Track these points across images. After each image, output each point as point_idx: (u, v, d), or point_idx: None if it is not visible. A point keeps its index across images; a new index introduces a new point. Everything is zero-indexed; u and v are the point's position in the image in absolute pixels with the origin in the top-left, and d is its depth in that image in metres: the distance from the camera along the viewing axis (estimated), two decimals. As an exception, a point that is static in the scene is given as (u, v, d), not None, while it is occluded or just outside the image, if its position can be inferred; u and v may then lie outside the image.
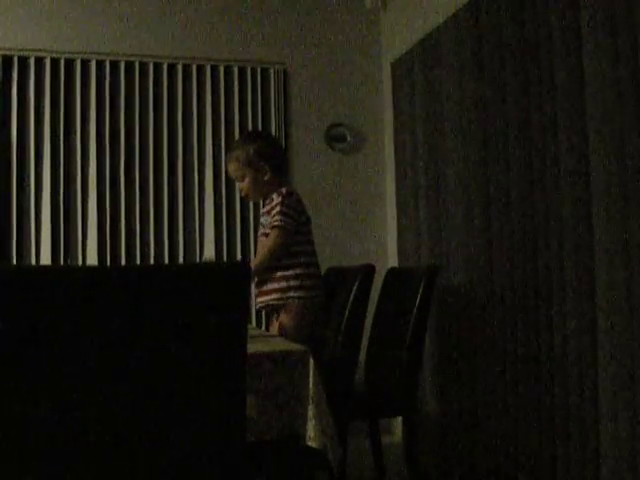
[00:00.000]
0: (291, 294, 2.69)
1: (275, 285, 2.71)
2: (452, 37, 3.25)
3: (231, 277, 1.31)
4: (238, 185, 2.86)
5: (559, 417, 2.46)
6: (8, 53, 3.63)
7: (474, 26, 3.03)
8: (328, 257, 3.71)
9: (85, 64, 3.73)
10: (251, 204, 3.87)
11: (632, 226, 2.09)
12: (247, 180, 2.77)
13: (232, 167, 2.80)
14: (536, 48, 2.58)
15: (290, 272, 2.70)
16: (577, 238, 2.35)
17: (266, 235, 2.71)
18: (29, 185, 3.60)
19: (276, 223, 2.66)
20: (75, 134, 3.69)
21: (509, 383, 2.77)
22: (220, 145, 3.89)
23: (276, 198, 2.71)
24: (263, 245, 2.72)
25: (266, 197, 2.79)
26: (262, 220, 2.78)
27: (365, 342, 3.05)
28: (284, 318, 2.70)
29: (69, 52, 3.72)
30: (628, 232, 2.11)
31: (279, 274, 2.70)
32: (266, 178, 2.77)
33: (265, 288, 2.74)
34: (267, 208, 2.75)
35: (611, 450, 2.19)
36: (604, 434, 2.23)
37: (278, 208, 2.68)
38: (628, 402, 2.12)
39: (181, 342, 1.31)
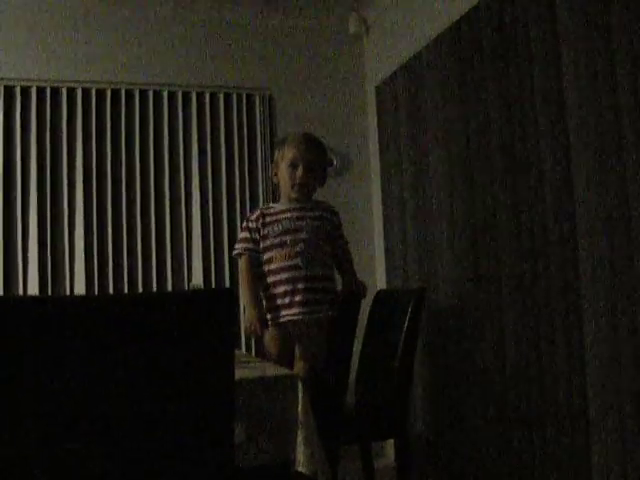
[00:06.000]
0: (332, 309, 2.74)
1: (328, 296, 2.71)
2: (434, 60, 3.30)
3: (215, 304, 1.32)
4: (302, 172, 2.71)
5: (551, 437, 2.46)
6: (-6, 83, 3.65)
7: (456, 49, 3.08)
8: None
9: (71, 93, 3.75)
10: (239, 231, 3.86)
11: (615, 245, 2.11)
12: (315, 173, 2.77)
13: (317, 155, 2.77)
14: (517, 70, 2.61)
15: (331, 284, 2.75)
16: (563, 256, 2.37)
17: (305, 240, 2.68)
18: (15, 214, 3.60)
19: (346, 245, 2.89)
20: (61, 162, 3.69)
21: (499, 403, 2.77)
22: (206, 171, 3.90)
23: (334, 214, 2.83)
24: (348, 258, 2.87)
25: (308, 198, 2.79)
26: (307, 223, 2.72)
27: (355, 365, 3.05)
28: (319, 337, 2.70)
29: (55, 81, 3.73)
30: (612, 249, 2.13)
31: (332, 285, 2.75)
32: (321, 183, 2.85)
33: (321, 297, 2.69)
34: (312, 213, 2.74)
35: (602, 472, 2.19)
36: (595, 454, 2.23)
37: (341, 229, 2.87)
38: (618, 415, 2.12)
39: (167, 370, 1.31)
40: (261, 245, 2.71)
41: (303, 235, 2.67)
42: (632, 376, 2.06)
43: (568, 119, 2.33)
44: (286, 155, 2.74)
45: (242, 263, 2.74)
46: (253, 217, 2.76)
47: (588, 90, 2.22)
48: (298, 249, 2.65)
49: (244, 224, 2.81)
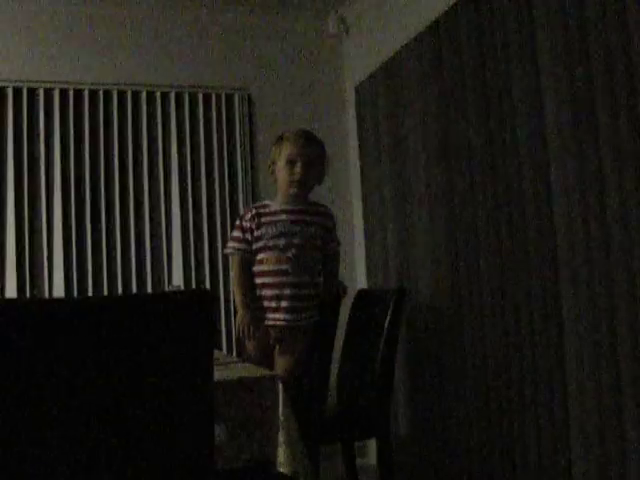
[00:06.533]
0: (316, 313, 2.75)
1: (314, 302, 2.72)
2: (414, 60, 3.30)
3: (194, 305, 1.31)
4: (300, 168, 2.67)
5: (531, 435, 2.47)
6: (-31, 84, 3.60)
7: (435, 48, 3.09)
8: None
9: (48, 93, 3.71)
10: (218, 231, 3.85)
11: (594, 252, 2.13)
12: (314, 170, 2.73)
13: (315, 151, 2.73)
14: (495, 67, 2.63)
15: (317, 290, 2.76)
16: (542, 253, 2.38)
17: (302, 244, 2.67)
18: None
19: (338, 247, 2.84)
20: (39, 163, 3.65)
21: (481, 402, 2.78)
22: (186, 172, 3.87)
23: (329, 217, 2.81)
24: (334, 261, 2.83)
25: (306, 194, 2.76)
26: (306, 229, 2.71)
27: (336, 365, 3.05)
28: (301, 340, 2.70)
29: (32, 81, 3.69)
30: (590, 254, 2.15)
31: (318, 291, 2.75)
32: (319, 181, 2.82)
33: (307, 304, 2.69)
34: (308, 218, 2.73)
35: (583, 468, 2.21)
36: (575, 449, 2.24)
37: (334, 232, 2.82)
38: (598, 416, 2.14)
39: (146, 371, 1.30)
40: (254, 246, 2.69)
41: (297, 240, 2.65)
42: (610, 371, 2.08)
43: (546, 116, 2.34)
44: (284, 152, 2.69)
45: (234, 263, 2.73)
46: (248, 216, 2.72)
47: (565, 87, 2.24)
48: (290, 254, 2.63)
49: (237, 222, 2.78)
